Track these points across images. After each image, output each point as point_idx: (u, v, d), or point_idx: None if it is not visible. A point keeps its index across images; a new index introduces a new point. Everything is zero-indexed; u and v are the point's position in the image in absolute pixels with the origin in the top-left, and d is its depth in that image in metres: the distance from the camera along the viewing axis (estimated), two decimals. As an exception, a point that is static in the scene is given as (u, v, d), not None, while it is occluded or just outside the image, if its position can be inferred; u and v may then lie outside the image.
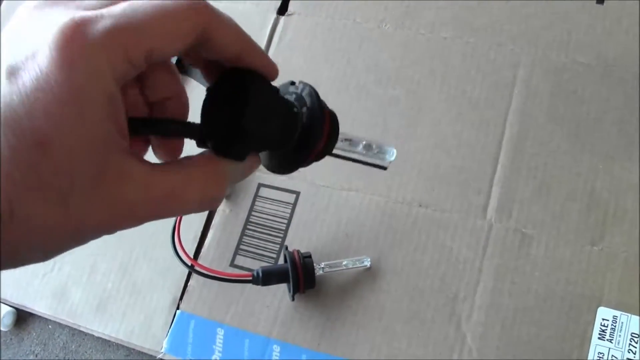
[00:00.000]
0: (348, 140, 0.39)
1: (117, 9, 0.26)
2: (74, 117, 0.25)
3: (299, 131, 0.34)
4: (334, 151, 0.38)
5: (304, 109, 0.35)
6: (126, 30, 0.26)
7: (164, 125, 0.33)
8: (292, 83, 0.36)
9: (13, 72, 0.25)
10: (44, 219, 0.25)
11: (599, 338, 0.59)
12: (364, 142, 0.40)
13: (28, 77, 0.24)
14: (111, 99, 0.26)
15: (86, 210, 0.26)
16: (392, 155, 0.41)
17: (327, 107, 0.36)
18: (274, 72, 0.34)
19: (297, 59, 0.77)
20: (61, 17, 0.25)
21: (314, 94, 0.35)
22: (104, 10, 0.26)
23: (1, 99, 0.24)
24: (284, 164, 0.36)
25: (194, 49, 0.30)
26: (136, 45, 0.26)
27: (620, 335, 0.59)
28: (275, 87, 0.34)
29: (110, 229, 0.28)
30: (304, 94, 0.35)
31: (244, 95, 0.31)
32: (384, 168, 0.41)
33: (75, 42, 0.25)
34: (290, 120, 0.34)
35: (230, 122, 0.31)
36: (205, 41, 0.29)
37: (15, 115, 0.24)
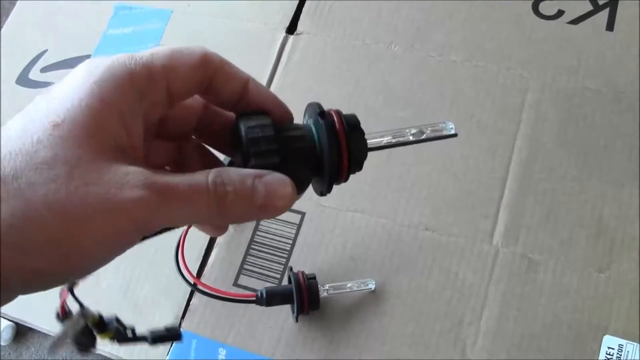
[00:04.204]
0: (397, 136, 0.38)
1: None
2: (87, 109, 0.29)
3: (315, 158, 0.35)
4: (384, 143, 0.38)
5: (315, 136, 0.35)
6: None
7: None
8: (321, 115, 0.35)
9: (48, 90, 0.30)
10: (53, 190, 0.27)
11: (604, 367, 0.58)
12: (412, 131, 0.38)
13: (56, 89, 0.30)
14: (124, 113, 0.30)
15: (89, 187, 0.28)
16: (451, 127, 0.39)
17: (342, 122, 0.35)
18: (281, 108, 0.36)
19: (305, 79, 0.77)
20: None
21: (318, 123, 0.35)
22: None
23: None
24: (320, 188, 0.37)
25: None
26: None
27: (626, 365, 0.58)
28: (280, 125, 0.35)
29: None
30: (312, 122, 0.36)
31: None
32: (454, 135, 0.39)
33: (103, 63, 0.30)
34: (300, 154, 0.35)
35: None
36: (213, 77, 0.34)
37: (38, 115, 0.29)
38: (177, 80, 0.32)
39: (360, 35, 0.78)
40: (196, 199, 0.30)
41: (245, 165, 0.33)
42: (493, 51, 0.74)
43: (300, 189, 0.35)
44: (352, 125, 0.35)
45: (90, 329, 0.47)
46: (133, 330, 0.49)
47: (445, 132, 0.38)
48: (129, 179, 0.28)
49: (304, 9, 0.82)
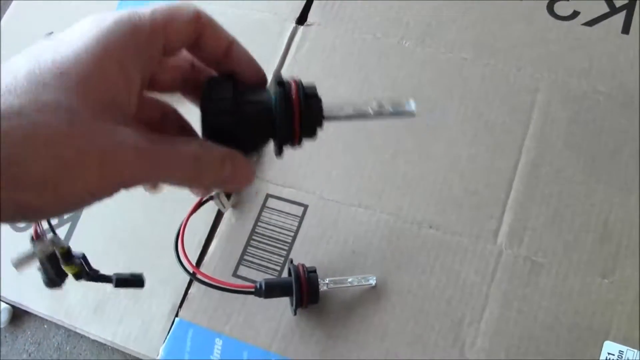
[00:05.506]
0: (358, 108, 0.41)
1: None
2: (92, 59, 0.31)
3: (271, 121, 0.38)
4: (343, 114, 0.41)
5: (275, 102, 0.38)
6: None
7: None
8: (280, 83, 0.38)
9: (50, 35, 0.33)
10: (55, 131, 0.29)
11: (604, 373, 0.58)
12: (374, 104, 0.41)
13: (62, 35, 0.32)
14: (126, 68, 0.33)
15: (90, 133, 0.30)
16: (411, 105, 0.43)
17: (298, 89, 0.38)
18: (258, 73, 0.41)
19: (313, 71, 0.76)
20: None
21: (280, 87, 0.38)
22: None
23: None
24: (276, 149, 0.40)
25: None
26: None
27: (625, 371, 0.58)
28: (245, 88, 0.39)
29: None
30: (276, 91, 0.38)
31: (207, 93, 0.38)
32: (412, 114, 0.43)
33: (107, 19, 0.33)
34: (254, 115, 0.38)
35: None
36: (202, 33, 0.37)
37: (44, 58, 0.30)
38: (173, 33, 0.36)
39: (371, 29, 0.77)
40: (181, 167, 0.35)
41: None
42: (504, 50, 0.73)
43: (256, 150, 0.40)
44: (308, 93, 0.38)
45: (57, 256, 0.49)
46: (97, 271, 0.51)
47: (404, 109, 0.43)
48: (123, 139, 0.31)
49: (315, 0, 0.81)
